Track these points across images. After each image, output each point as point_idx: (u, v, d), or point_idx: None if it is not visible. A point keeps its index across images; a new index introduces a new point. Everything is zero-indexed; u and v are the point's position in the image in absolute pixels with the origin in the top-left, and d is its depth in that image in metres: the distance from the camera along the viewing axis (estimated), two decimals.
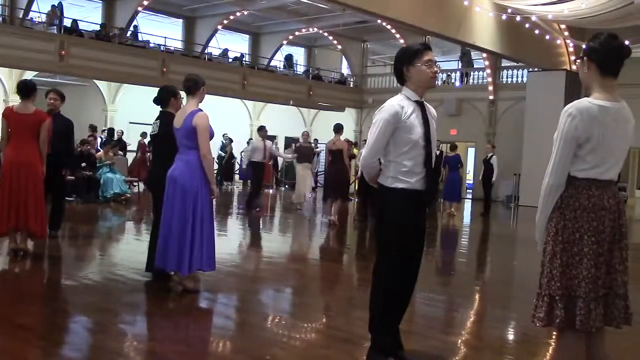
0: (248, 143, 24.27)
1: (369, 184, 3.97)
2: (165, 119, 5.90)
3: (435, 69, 3.72)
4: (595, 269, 2.96)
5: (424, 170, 3.68)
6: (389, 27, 23.20)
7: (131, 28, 22.06)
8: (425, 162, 3.68)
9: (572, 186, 3.02)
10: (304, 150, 14.17)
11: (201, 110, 5.41)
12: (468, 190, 24.00)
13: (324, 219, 11.32)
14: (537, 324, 3.06)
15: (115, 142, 17.22)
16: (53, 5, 20.18)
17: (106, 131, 19.33)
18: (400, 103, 3.68)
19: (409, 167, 3.66)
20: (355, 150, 19.05)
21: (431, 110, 3.86)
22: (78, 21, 19.92)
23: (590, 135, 2.94)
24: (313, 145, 18.47)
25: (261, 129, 13.87)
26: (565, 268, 2.99)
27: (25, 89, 6.77)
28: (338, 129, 11.75)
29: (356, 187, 15.78)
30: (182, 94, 5.89)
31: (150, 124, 6.25)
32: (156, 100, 6.13)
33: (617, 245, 3.02)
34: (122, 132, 19.21)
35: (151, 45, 21.86)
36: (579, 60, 3.10)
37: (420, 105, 3.73)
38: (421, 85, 3.73)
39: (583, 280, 2.95)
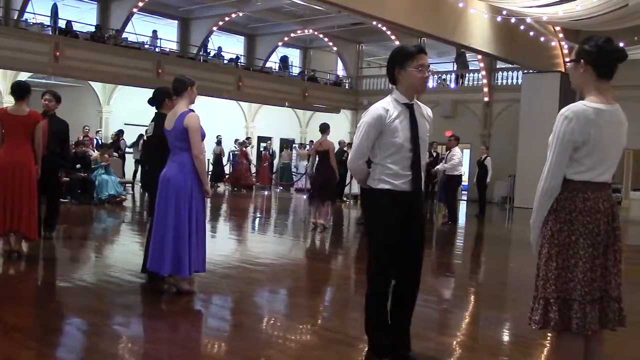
0: (240, 144, 24.26)
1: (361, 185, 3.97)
2: (160, 120, 5.88)
3: (427, 74, 3.68)
4: (590, 272, 2.96)
5: (410, 173, 3.67)
6: (384, 29, 23.26)
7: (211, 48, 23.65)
8: (411, 165, 3.66)
9: (568, 189, 3.02)
10: None
11: (192, 111, 5.40)
12: (463, 192, 24.01)
13: (315, 220, 11.24)
14: (533, 327, 3.07)
15: (110, 144, 17.23)
16: (154, 31, 20.48)
17: (100, 132, 19.41)
18: (385, 106, 3.67)
19: (394, 170, 3.65)
20: None
21: (426, 111, 3.83)
22: (73, 22, 19.89)
23: (587, 138, 2.94)
24: None
25: (458, 139, 13.17)
26: (560, 271, 2.99)
27: (19, 91, 6.74)
28: (324, 129, 11.16)
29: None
30: None
31: (145, 126, 6.24)
32: (151, 102, 6.12)
33: (611, 248, 3.03)
34: (121, 133, 19.24)
35: (146, 46, 21.84)
36: (571, 63, 3.09)
37: (409, 107, 3.71)
38: (410, 88, 3.71)
39: (579, 283, 2.95)
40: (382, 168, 3.68)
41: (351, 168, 3.84)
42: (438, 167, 13.92)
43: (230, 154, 23.10)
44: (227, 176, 22.46)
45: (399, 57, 3.70)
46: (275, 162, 25.35)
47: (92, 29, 20.61)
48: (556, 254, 3.01)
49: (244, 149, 22.43)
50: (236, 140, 23.72)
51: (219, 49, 24.75)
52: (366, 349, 3.88)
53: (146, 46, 21.92)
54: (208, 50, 24.82)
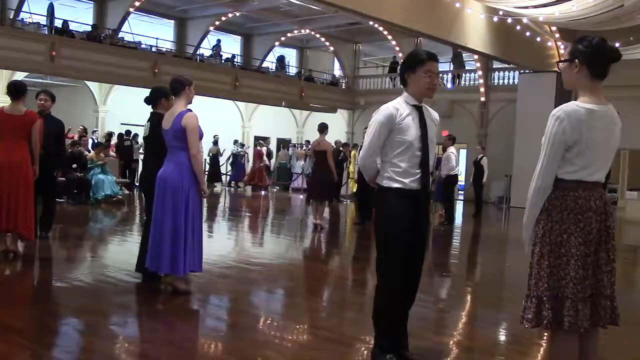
0: (242, 145, 24.32)
1: (369, 184, 4.01)
2: (156, 120, 5.88)
3: (435, 81, 3.76)
4: (582, 270, 2.98)
5: (419, 171, 3.73)
6: (380, 29, 23.26)
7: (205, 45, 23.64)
8: (421, 164, 3.73)
9: (559, 188, 3.04)
10: None
11: (190, 111, 5.40)
12: (459, 192, 24.05)
13: (315, 221, 11.26)
14: (526, 325, 3.08)
15: (107, 144, 17.19)
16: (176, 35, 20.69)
17: (102, 134, 19.39)
18: (396, 106, 3.75)
19: (404, 168, 3.72)
20: (354, 152, 19.04)
21: (433, 114, 3.92)
22: (69, 22, 19.86)
23: (578, 139, 2.96)
24: None
25: (453, 139, 13.40)
26: (552, 269, 3.01)
27: (16, 90, 6.73)
28: (322, 128, 11.10)
29: (354, 189, 15.72)
30: None
31: (142, 125, 6.24)
32: (147, 101, 6.12)
33: (603, 247, 3.04)
34: (127, 133, 19.22)
35: (142, 46, 21.81)
36: (565, 62, 3.09)
37: (419, 109, 3.78)
38: (418, 92, 3.78)
39: (571, 281, 2.97)
40: (391, 166, 3.75)
41: (362, 165, 3.90)
42: (440, 173, 13.94)
43: (232, 155, 23.16)
44: (245, 177, 22.79)
45: (409, 60, 3.80)
46: (272, 162, 25.32)
47: (89, 28, 20.57)
48: (548, 252, 3.02)
49: (260, 149, 22.82)
50: (236, 141, 23.80)
51: (218, 47, 24.75)
52: (363, 348, 3.89)
53: (172, 50, 22.12)
54: (220, 53, 24.83)
